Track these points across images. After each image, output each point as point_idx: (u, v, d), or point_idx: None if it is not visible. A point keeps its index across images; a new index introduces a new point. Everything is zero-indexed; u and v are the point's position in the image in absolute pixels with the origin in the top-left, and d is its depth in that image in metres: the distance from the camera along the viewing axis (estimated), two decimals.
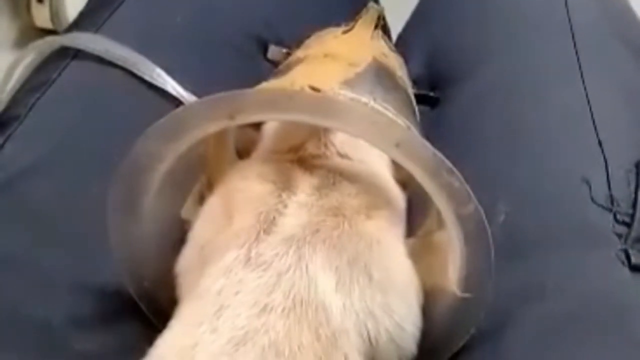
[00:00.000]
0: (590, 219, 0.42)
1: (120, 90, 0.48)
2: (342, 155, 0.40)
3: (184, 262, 0.38)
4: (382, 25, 0.48)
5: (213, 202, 0.39)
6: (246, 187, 0.37)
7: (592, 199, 0.42)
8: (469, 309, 0.37)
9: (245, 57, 0.55)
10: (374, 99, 0.39)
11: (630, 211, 0.42)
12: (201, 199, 0.41)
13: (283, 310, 0.32)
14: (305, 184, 0.37)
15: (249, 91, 0.37)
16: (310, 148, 0.40)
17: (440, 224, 0.37)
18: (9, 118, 0.46)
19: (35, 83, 0.49)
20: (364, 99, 0.39)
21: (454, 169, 0.34)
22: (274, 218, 0.35)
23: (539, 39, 0.54)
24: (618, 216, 0.42)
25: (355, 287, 0.34)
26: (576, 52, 0.51)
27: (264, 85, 0.42)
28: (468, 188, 0.34)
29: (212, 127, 0.35)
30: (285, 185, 0.37)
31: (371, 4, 0.47)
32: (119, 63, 0.48)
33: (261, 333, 0.32)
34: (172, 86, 0.48)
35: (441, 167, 0.34)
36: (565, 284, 0.40)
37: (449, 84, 0.56)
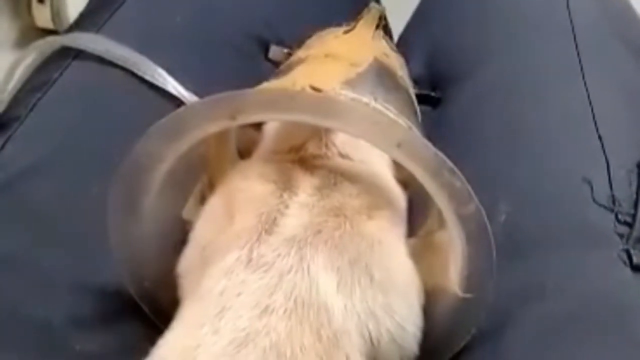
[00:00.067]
0: (591, 219, 0.42)
1: (121, 91, 0.48)
2: (343, 156, 0.40)
3: (185, 262, 0.38)
4: (383, 25, 0.48)
5: (214, 202, 0.39)
6: (247, 187, 0.37)
7: (594, 199, 0.42)
8: (470, 309, 0.37)
9: (246, 57, 0.55)
10: (375, 99, 0.39)
11: (632, 211, 0.42)
12: (202, 199, 0.41)
13: (285, 311, 0.32)
14: (306, 185, 0.37)
15: (250, 91, 0.37)
16: (311, 148, 0.40)
17: (442, 224, 0.37)
18: (10, 118, 0.46)
19: (36, 83, 0.49)
20: (365, 99, 0.39)
21: (455, 169, 0.34)
22: (276, 218, 0.35)
23: (539, 39, 0.54)
24: (619, 216, 0.42)
25: (356, 287, 0.34)
26: (577, 52, 0.51)
27: (265, 85, 0.42)
28: (469, 188, 0.34)
29: (213, 127, 0.35)
30: (287, 185, 0.37)
31: (372, 4, 0.47)
32: (120, 63, 0.48)
33: (262, 334, 0.31)
34: (173, 86, 0.48)
35: (442, 167, 0.34)
36: (565, 284, 0.39)
37: (449, 84, 0.56)
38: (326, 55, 0.44)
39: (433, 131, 0.47)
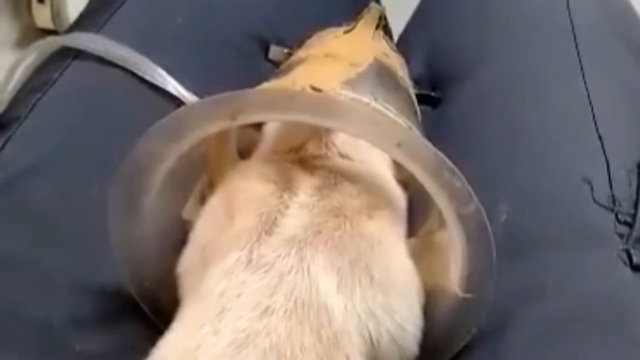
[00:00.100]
0: (592, 219, 0.42)
1: (121, 91, 0.48)
2: (343, 156, 0.40)
3: (185, 262, 0.38)
4: (383, 25, 0.48)
5: (214, 203, 0.39)
6: (247, 188, 0.37)
7: (594, 199, 0.42)
8: (470, 309, 0.37)
9: (246, 57, 0.55)
10: (375, 99, 0.39)
11: (632, 211, 0.42)
12: (202, 199, 0.41)
13: (285, 312, 0.32)
14: (306, 185, 0.37)
15: (250, 91, 0.37)
16: (311, 148, 0.40)
17: (442, 223, 0.37)
18: (10, 118, 0.46)
19: (36, 83, 0.49)
20: (365, 99, 0.39)
21: (456, 169, 0.34)
22: (276, 219, 0.35)
23: (539, 39, 0.54)
24: (620, 216, 0.42)
25: (356, 288, 0.34)
26: (577, 52, 0.51)
27: (265, 85, 0.42)
28: (469, 188, 0.34)
29: (214, 127, 0.35)
30: (287, 185, 0.37)
31: (372, 4, 0.47)
32: (120, 63, 0.48)
33: (263, 335, 0.31)
34: (173, 86, 0.48)
35: (442, 167, 0.34)
36: (565, 284, 0.39)
37: (449, 84, 0.56)
38: (326, 55, 0.44)
39: (433, 131, 0.47)
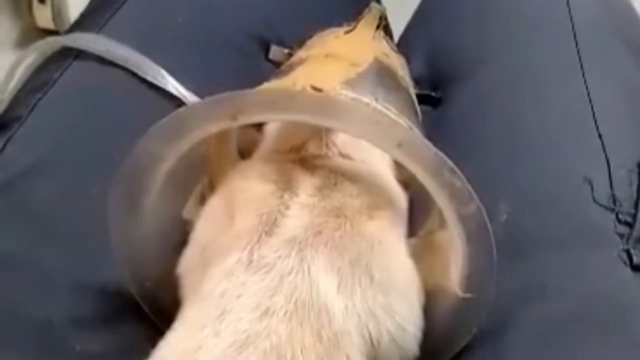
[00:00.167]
0: (592, 218, 0.42)
1: (122, 91, 0.48)
2: (343, 156, 0.40)
3: (185, 263, 0.38)
4: (384, 26, 0.48)
5: (214, 203, 0.39)
6: (248, 188, 0.37)
7: (594, 199, 0.42)
8: (470, 309, 0.37)
9: (247, 57, 0.55)
10: (376, 99, 0.39)
11: (632, 211, 0.42)
12: (203, 199, 0.41)
13: (285, 313, 0.32)
14: (306, 185, 0.37)
15: (250, 91, 0.37)
16: (312, 148, 0.40)
17: (442, 223, 0.37)
18: (11, 118, 0.46)
19: (36, 83, 0.49)
20: (366, 99, 0.39)
21: (456, 169, 0.33)
22: (276, 219, 0.35)
23: (539, 39, 0.54)
24: (620, 216, 0.42)
25: (357, 288, 0.34)
26: (578, 52, 0.51)
27: (266, 85, 0.42)
28: (470, 188, 0.34)
29: (214, 128, 0.35)
30: (287, 185, 0.37)
31: (373, 4, 0.47)
32: (121, 63, 0.48)
33: (263, 337, 0.31)
34: (174, 86, 0.48)
35: (443, 167, 0.34)
36: (566, 284, 0.39)
37: (450, 84, 0.56)
38: (327, 56, 0.44)
39: (434, 131, 0.47)
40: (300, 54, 0.48)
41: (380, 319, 0.35)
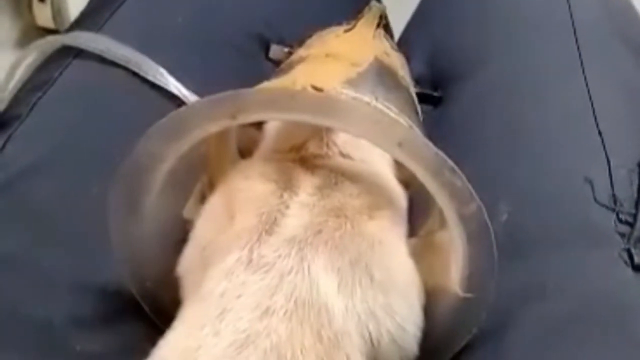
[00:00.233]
0: (593, 218, 0.42)
1: (122, 90, 0.48)
2: (344, 155, 0.40)
3: (185, 262, 0.38)
4: (384, 24, 0.48)
5: (214, 202, 0.39)
6: (248, 187, 0.37)
7: (595, 199, 0.42)
8: (471, 309, 0.37)
9: (247, 56, 0.55)
10: (376, 99, 0.39)
11: (633, 211, 0.42)
12: (203, 199, 0.41)
13: (285, 312, 0.32)
14: (307, 184, 0.37)
15: (250, 91, 0.37)
16: (312, 148, 0.40)
17: (443, 223, 0.37)
18: (11, 117, 0.46)
19: (36, 82, 0.49)
20: (366, 99, 0.39)
21: (456, 168, 0.33)
22: (276, 218, 0.35)
23: (539, 39, 0.54)
24: (621, 216, 0.42)
25: (357, 288, 0.34)
26: (578, 51, 0.51)
27: (266, 84, 0.42)
28: (470, 187, 0.34)
29: (214, 127, 0.35)
30: (287, 185, 0.37)
31: (373, 3, 0.47)
32: (121, 62, 0.48)
33: (263, 336, 0.31)
34: (174, 86, 0.48)
35: (443, 167, 0.34)
36: (566, 284, 0.39)
37: (450, 83, 0.56)
38: (327, 55, 0.44)
39: (434, 130, 0.47)
40: (300, 53, 0.48)
41: (381, 319, 0.35)
